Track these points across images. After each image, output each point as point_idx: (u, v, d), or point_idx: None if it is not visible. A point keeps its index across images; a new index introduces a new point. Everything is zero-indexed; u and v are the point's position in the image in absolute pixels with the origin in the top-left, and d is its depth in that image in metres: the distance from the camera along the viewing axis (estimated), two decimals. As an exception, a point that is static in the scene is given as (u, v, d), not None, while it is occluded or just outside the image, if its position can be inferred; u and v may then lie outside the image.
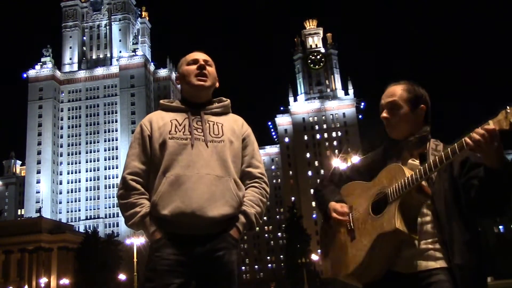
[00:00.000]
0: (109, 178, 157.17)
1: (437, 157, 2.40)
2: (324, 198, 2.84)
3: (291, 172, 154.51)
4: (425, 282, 2.45)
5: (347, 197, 2.78)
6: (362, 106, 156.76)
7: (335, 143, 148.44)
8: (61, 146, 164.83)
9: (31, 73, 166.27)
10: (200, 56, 3.04)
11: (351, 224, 2.67)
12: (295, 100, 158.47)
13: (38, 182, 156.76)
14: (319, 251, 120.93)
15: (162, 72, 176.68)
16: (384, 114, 2.73)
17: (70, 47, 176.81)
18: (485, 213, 2.49)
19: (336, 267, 2.74)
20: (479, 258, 2.48)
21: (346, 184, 2.85)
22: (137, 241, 50.83)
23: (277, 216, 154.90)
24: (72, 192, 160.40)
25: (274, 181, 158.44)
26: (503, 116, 2.26)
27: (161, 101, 3.05)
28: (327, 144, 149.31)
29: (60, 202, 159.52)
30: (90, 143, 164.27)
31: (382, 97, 2.78)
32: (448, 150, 2.37)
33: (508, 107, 2.25)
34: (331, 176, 2.99)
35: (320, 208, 2.88)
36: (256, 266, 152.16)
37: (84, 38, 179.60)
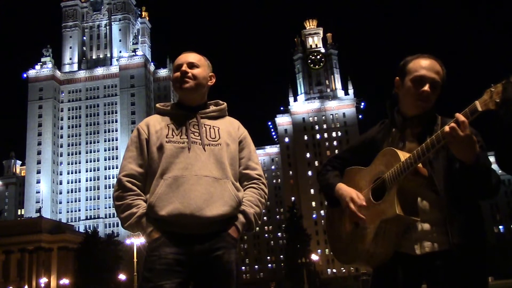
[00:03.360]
0: (109, 178, 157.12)
1: (429, 141, 2.40)
2: (329, 182, 2.82)
3: (291, 172, 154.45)
4: (430, 262, 2.48)
5: (348, 183, 2.77)
6: (362, 106, 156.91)
7: (335, 143, 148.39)
8: (61, 146, 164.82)
9: (31, 73, 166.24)
10: (184, 59, 3.01)
11: None
12: (295, 100, 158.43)
13: (38, 182, 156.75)
14: (319, 251, 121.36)
15: (162, 72, 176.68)
16: (427, 89, 2.58)
17: (70, 47, 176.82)
18: (476, 197, 2.53)
19: (344, 254, 2.76)
20: (478, 237, 2.49)
21: (347, 169, 2.84)
22: (137, 241, 50.74)
23: (277, 216, 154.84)
24: (72, 192, 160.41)
25: (274, 181, 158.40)
26: (488, 96, 2.22)
27: (157, 105, 3.06)
28: (327, 144, 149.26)
29: (60, 202, 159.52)
30: (90, 143, 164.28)
31: (423, 66, 2.61)
32: (439, 134, 2.38)
33: (492, 86, 2.21)
34: (333, 161, 2.97)
35: (325, 193, 2.87)
36: (256, 266, 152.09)
37: (84, 38, 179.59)
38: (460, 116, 2.29)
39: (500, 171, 2.62)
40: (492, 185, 2.42)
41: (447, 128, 2.31)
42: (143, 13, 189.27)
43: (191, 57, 3.02)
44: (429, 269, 2.49)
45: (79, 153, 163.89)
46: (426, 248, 2.49)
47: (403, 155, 2.49)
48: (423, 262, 2.50)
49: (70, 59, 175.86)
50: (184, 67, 2.97)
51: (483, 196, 2.48)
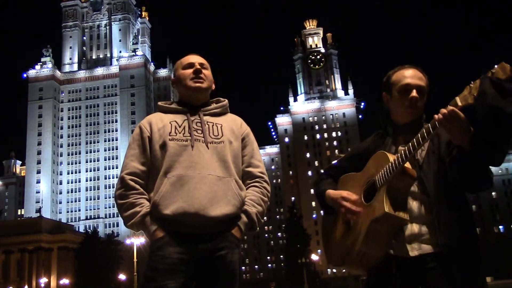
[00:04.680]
0: (109, 178, 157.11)
1: (414, 139, 2.46)
2: (320, 189, 2.86)
3: (291, 172, 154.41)
4: (423, 264, 2.50)
5: (342, 188, 2.80)
6: (362, 106, 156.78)
7: (335, 143, 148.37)
8: (61, 146, 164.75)
9: (31, 73, 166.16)
10: (196, 59, 3.03)
11: None
12: (295, 100, 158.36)
13: (38, 182, 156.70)
14: (319, 251, 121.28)
15: (162, 72, 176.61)
16: (415, 94, 2.66)
17: (70, 47, 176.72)
18: (469, 189, 2.55)
19: (336, 255, 2.78)
20: (468, 237, 2.51)
21: (342, 176, 2.87)
22: (137, 241, 50.81)
23: (277, 216, 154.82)
24: (72, 192, 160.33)
25: (274, 181, 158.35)
26: (467, 91, 2.30)
27: (160, 103, 3.06)
28: (327, 144, 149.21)
29: (60, 202, 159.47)
30: (90, 143, 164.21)
31: (406, 76, 2.71)
32: (423, 130, 2.43)
33: (472, 82, 2.28)
34: (328, 170, 3.01)
35: (320, 202, 2.89)
36: (256, 266, 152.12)
37: (84, 38, 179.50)
38: (444, 109, 2.35)
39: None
40: (490, 173, 2.44)
41: (438, 115, 2.35)
42: (143, 13, 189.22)
43: (201, 58, 3.07)
44: (423, 271, 2.50)
45: (79, 153, 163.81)
46: (419, 249, 2.51)
47: (392, 156, 2.55)
48: (417, 264, 2.51)
49: (70, 59, 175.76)
50: (198, 66, 2.99)
51: (480, 186, 2.48)
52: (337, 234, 2.78)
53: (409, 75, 2.71)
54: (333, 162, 3.11)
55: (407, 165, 2.50)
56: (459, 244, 2.46)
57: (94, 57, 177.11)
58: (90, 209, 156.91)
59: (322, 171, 3.04)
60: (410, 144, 2.48)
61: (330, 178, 2.94)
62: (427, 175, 2.58)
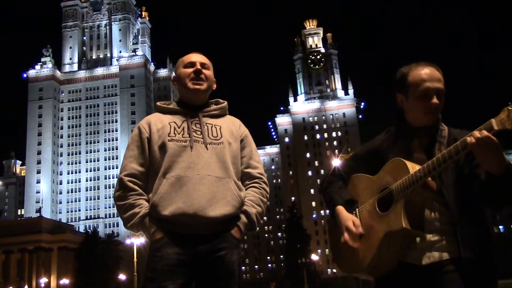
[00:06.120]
0: (109, 178, 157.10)
1: (440, 156, 2.33)
2: (332, 197, 2.77)
3: (291, 172, 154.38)
4: (436, 273, 2.44)
5: (352, 190, 2.76)
6: (362, 106, 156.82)
7: (335, 143, 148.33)
8: (61, 146, 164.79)
9: (31, 73, 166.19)
10: (197, 58, 3.01)
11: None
12: (295, 100, 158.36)
13: (38, 182, 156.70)
14: (319, 251, 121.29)
15: (162, 72, 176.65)
16: (436, 101, 2.52)
17: (70, 47, 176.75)
18: (490, 206, 2.48)
19: (347, 264, 2.72)
20: (488, 251, 2.46)
21: (353, 176, 2.81)
22: (137, 241, 50.79)
23: (277, 216, 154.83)
24: (72, 192, 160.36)
25: (274, 181, 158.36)
26: (505, 115, 2.12)
27: (158, 103, 3.04)
28: (327, 144, 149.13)
29: (60, 202, 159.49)
30: (90, 143, 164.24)
31: (424, 79, 2.53)
32: (451, 149, 2.29)
33: (510, 104, 2.11)
34: (337, 170, 2.92)
35: (328, 206, 2.83)
36: (256, 266, 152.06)
37: (84, 38, 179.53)
38: (479, 133, 2.20)
39: None
40: None
41: (471, 139, 2.20)
42: (143, 13, 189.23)
43: (203, 58, 3.05)
44: (434, 279, 2.45)
45: (79, 153, 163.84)
46: (431, 258, 2.45)
47: (412, 167, 2.43)
48: (428, 272, 2.45)
49: (70, 59, 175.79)
50: (199, 66, 2.97)
51: (504, 205, 2.38)
52: None
53: (428, 77, 2.53)
54: (342, 161, 3.02)
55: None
56: (481, 255, 2.41)
57: (94, 57, 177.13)
58: (90, 209, 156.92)
59: (331, 171, 2.93)
60: (434, 160, 2.33)
61: (340, 179, 2.85)
62: (446, 186, 2.48)
